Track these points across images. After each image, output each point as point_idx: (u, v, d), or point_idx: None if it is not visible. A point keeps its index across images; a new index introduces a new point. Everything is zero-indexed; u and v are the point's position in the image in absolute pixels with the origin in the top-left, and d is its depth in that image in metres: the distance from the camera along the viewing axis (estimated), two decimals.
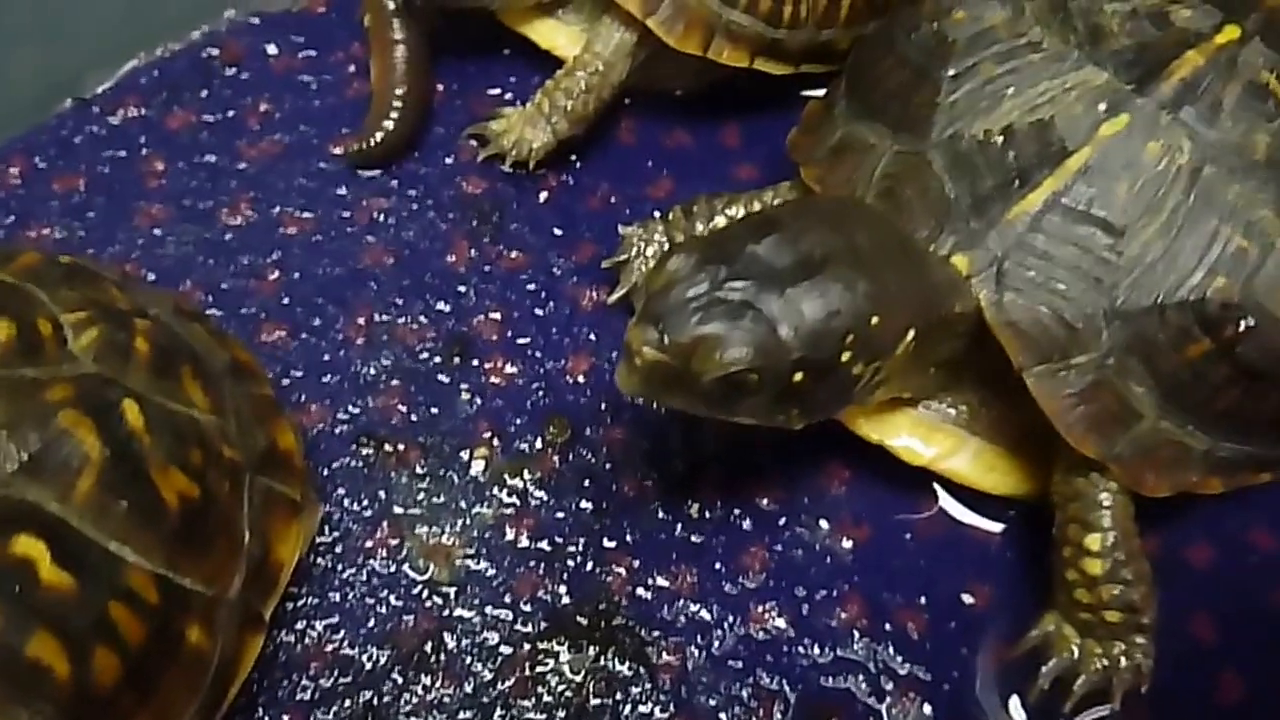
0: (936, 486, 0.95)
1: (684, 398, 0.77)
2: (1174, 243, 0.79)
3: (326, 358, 1.00)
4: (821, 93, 1.03)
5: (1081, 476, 0.84)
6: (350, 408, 0.98)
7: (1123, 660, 0.84)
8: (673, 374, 0.74)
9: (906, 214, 0.85)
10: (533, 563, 0.91)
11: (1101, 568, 0.82)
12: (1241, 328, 0.78)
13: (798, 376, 0.75)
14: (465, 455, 0.96)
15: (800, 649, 0.89)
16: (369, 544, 0.91)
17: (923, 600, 0.91)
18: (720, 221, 0.96)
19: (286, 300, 1.03)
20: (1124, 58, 0.84)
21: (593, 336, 1.02)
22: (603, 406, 0.99)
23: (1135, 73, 0.83)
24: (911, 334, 0.79)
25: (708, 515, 0.94)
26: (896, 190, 0.86)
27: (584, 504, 0.94)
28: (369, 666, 0.87)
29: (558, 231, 1.08)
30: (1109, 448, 0.81)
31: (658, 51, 1.06)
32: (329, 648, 0.87)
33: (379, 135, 1.08)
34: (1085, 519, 0.83)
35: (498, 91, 1.17)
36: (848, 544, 0.93)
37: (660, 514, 0.94)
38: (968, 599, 0.91)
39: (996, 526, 0.94)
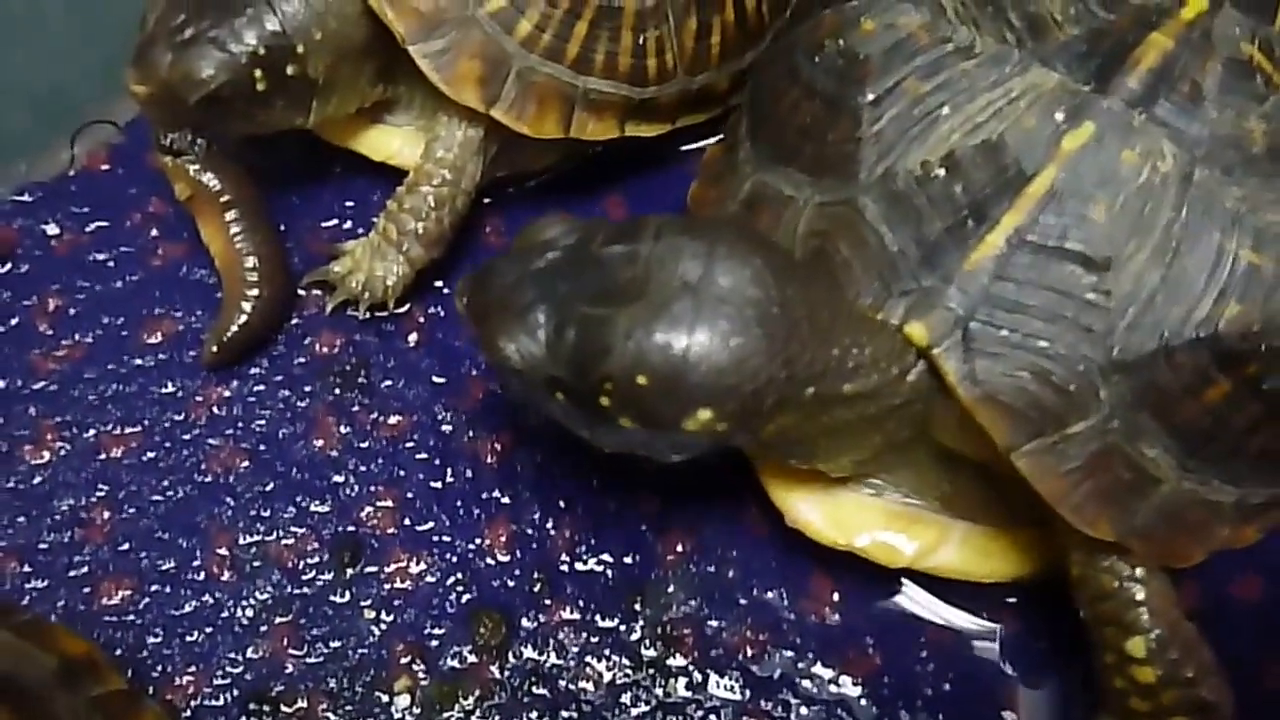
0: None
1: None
2: (1172, 269, 0.66)
3: (188, 608, 0.80)
4: (706, 143, 0.90)
5: (1103, 563, 0.70)
6: (230, 666, 0.79)
7: None
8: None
9: (844, 278, 0.69)
10: None
11: (1154, 673, 0.69)
12: (1267, 358, 0.65)
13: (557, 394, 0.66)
14: (385, 693, 0.78)
15: None
16: None
17: None
18: None
19: (125, 545, 0.82)
20: (1076, 51, 0.70)
21: (507, 498, 0.84)
22: (537, 585, 0.81)
23: (1092, 68, 0.69)
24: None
25: (688, 693, 0.78)
26: (827, 250, 0.71)
27: (540, 717, 0.76)
28: None
29: (438, 378, 0.89)
30: (1127, 525, 0.68)
31: (512, 140, 0.89)
32: None
33: (240, 321, 0.88)
34: (1121, 620, 0.70)
35: (334, 222, 0.96)
36: (855, 686, 0.78)
37: (633, 708, 0.77)
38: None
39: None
